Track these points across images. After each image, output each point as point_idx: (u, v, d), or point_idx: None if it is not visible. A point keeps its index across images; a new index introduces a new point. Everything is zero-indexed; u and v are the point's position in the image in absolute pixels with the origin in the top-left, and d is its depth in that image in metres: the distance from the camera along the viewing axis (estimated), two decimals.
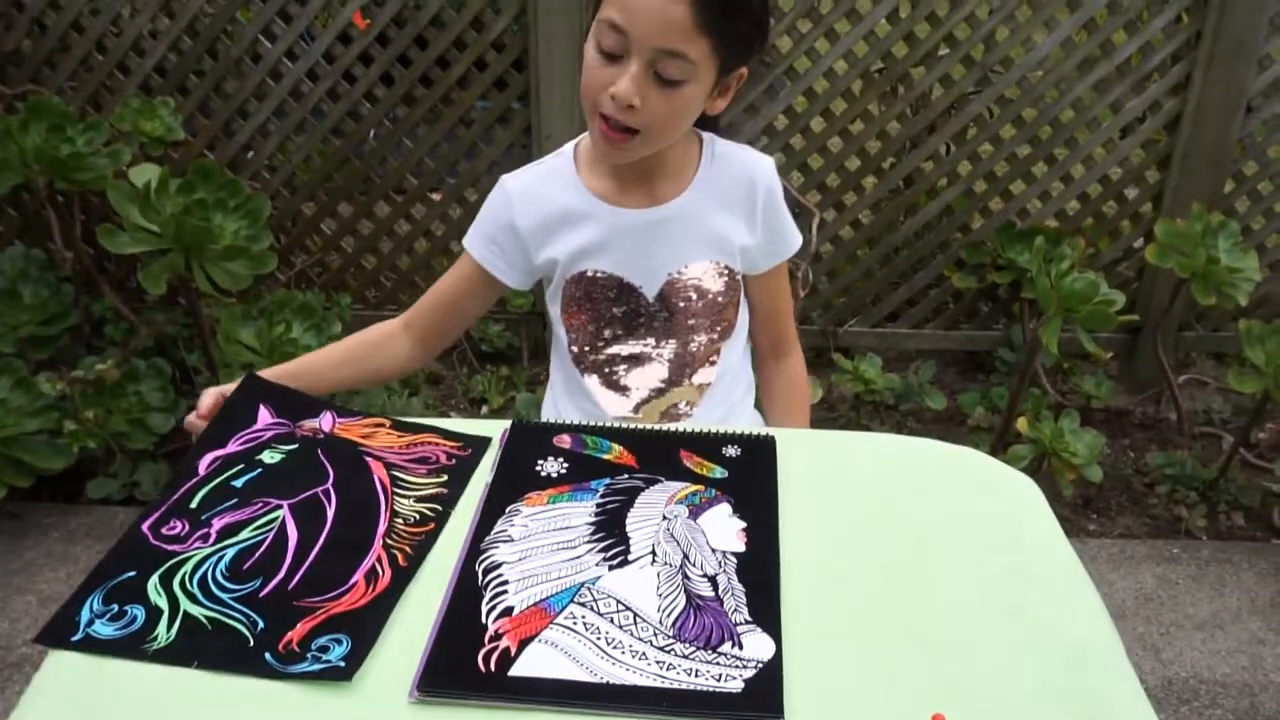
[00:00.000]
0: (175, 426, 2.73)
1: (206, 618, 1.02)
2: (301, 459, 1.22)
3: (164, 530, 1.11)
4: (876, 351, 3.17)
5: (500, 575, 1.04)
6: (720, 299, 1.46)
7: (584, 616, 0.99)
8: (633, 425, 1.33)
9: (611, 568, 1.05)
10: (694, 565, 1.06)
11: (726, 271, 1.46)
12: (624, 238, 1.42)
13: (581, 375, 1.52)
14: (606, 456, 1.24)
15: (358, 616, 1.02)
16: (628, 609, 1.00)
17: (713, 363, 1.51)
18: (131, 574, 1.05)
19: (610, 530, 1.11)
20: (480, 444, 1.27)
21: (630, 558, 1.07)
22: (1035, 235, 2.96)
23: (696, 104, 1.31)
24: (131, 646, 0.98)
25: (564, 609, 1.00)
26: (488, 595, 1.02)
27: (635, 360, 1.49)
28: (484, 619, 0.99)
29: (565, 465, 1.22)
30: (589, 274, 1.45)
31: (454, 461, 1.24)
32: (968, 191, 3.16)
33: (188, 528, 1.11)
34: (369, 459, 1.22)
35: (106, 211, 2.88)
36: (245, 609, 1.02)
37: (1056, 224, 3.17)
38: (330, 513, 1.15)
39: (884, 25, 2.98)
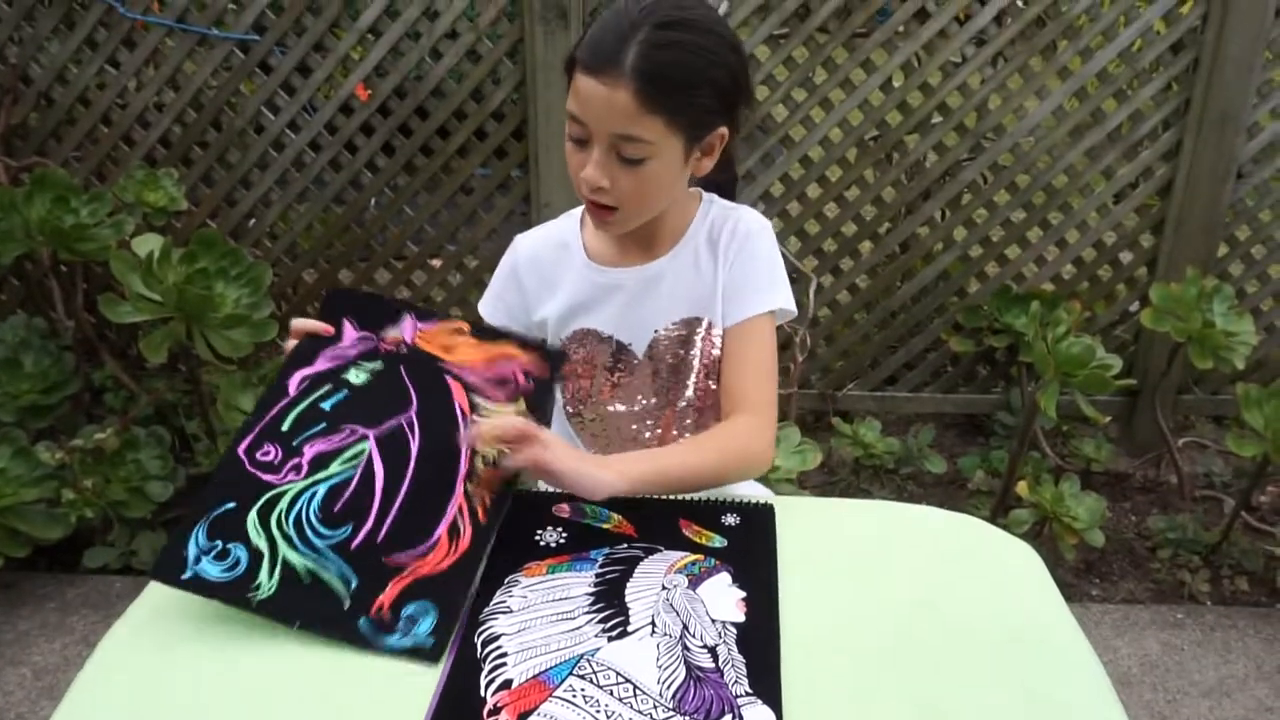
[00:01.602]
0: (174, 495, 2.73)
1: (305, 569, 1.10)
2: (386, 379, 1.24)
3: (259, 455, 1.16)
4: (875, 415, 3.17)
5: (499, 647, 1.03)
6: (708, 355, 1.47)
7: (584, 689, 0.98)
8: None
9: (611, 639, 1.05)
10: (694, 636, 1.06)
11: (709, 328, 1.47)
12: (615, 296, 1.46)
13: (578, 434, 1.54)
14: (605, 526, 1.24)
15: (442, 582, 1.10)
16: (628, 681, 1.00)
17: (702, 414, 1.52)
18: (232, 505, 1.12)
19: (609, 600, 1.10)
20: (557, 359, 1.31)
21: (630, 629, 1.06)
22: (1031, 299, 2.98)
23: (668, 175, 1.34)
24: (238, 594, 1.07)
25: (563, 681, 0.99)
26: (487, 667, 1.01)
27: (629, 418, 1.51)
28: (483, 692, 0.98)
29: (564, 535, 1.22)
30: (581, 332, 1.48)
31: (531, 385, 1.26)
32: (963, 256, 3.18)
33: (281, 455, 1.16)
34: (449, 379, 1.25)
35: (108, 280, 2.90)
36: (339, 561, 1.10)
37: (1052, 288, 3.18)
38: (414, 447, 1.20)
39: (878, 94, 3.02)
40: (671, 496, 1.31)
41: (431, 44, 2.94)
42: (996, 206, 3.12)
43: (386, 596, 1.08)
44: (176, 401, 2.96)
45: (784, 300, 1.46)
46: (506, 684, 0.99)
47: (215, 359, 2.64)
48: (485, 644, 1.04)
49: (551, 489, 1.29)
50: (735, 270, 1.44)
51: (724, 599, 1.12)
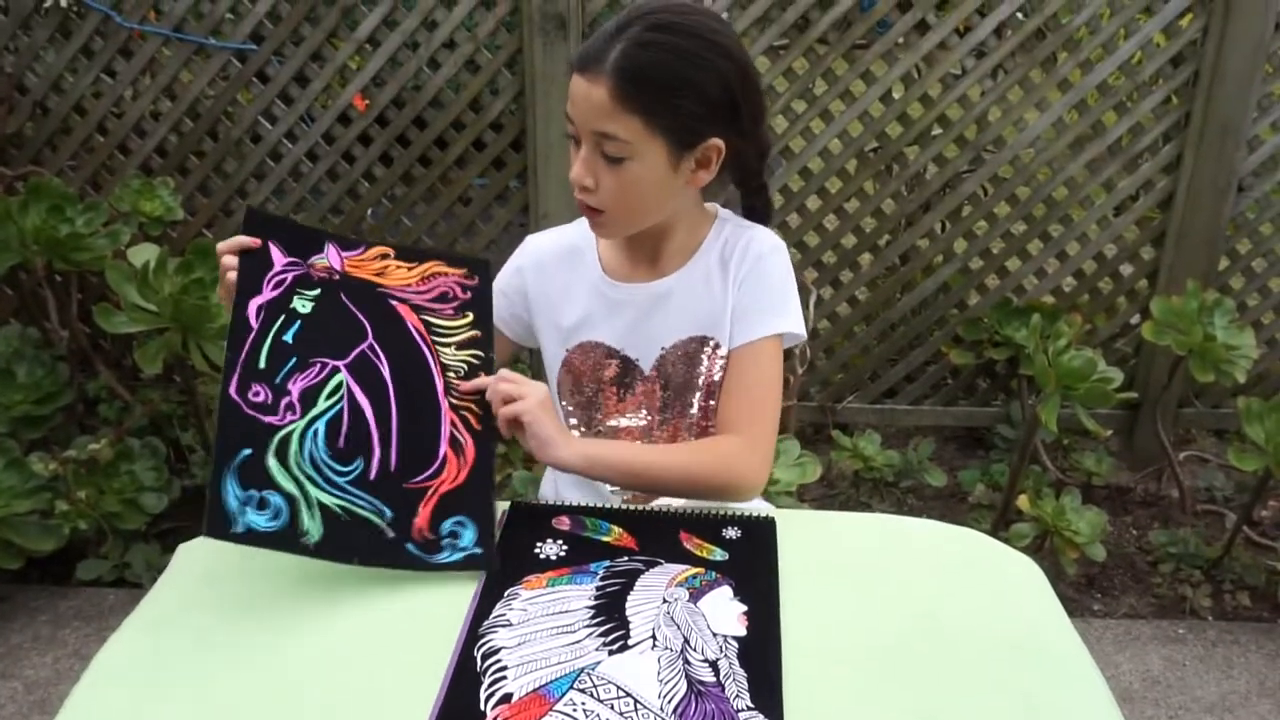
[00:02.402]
0: (168, 506, 2.71)
1: (339, 507, 1.14)
2: (330, 308, 1.25)
3: (250, 397, 1.17)
4: (875, 428, 3.15)
5: (499, 660, 1.02)
6: (713, 374, 1.46)
7: (584, 703, 0.97)
8: (631, 506, 1.32)
9: (611, 652, 1.03)
10: (695, 650, 1.04)
11: (715, 348, 1.45)
12: (623, 311, 1.45)
13: None
14: (606, 539, 1.22)
15: (466, 495, 1.18)
16: (628, 695, 0.98)
17: (706, 434, 1.49)
18: (248, 451, 1.14)
19: (610, 614, 1.09)
20: (481, 267, 1.35)
21: (630, 642, 1.05)
22: (1032, 312, 2.97)
23: (651, 179, 1.32)
24: (290, 542, 1.11)
25: (564, 695, 0.98)
26: (486, 681, 1.00)
27: (633, 434, 1.49)
28: (483, 705, 0.97)
29: (564, 548, 1.20)
30: (588, 345, 1.47)
31: (470, 295, 1.31)
32: (964, 268, 3.17)
33: (271, 396, 1.18)
34: (394, 303, 1.27)
35: (103, 290, 2.88)
36: (366, 496, 1.15)
37: (1053, 300, 3.18)
38: (386, 372, 1.23)
39: (878, 106, 3.02)
40: (672, 509, 1.30)
41: (430, 54, 2.93)
42: (997, 219, 3.12)
43: (421, 519, 1.15)
44: (171, 413, 2.94)
45: (793, 324, 1.42)
46: (506, 698, 0.97)
47: (211, 370, 2.63)
48: (485, 657, 1.03)
49: (552, 501, 1.28)
50: (745, 291, 1.41)
51: (725, 613, 1.11)
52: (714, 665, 1.03)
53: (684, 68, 1.27)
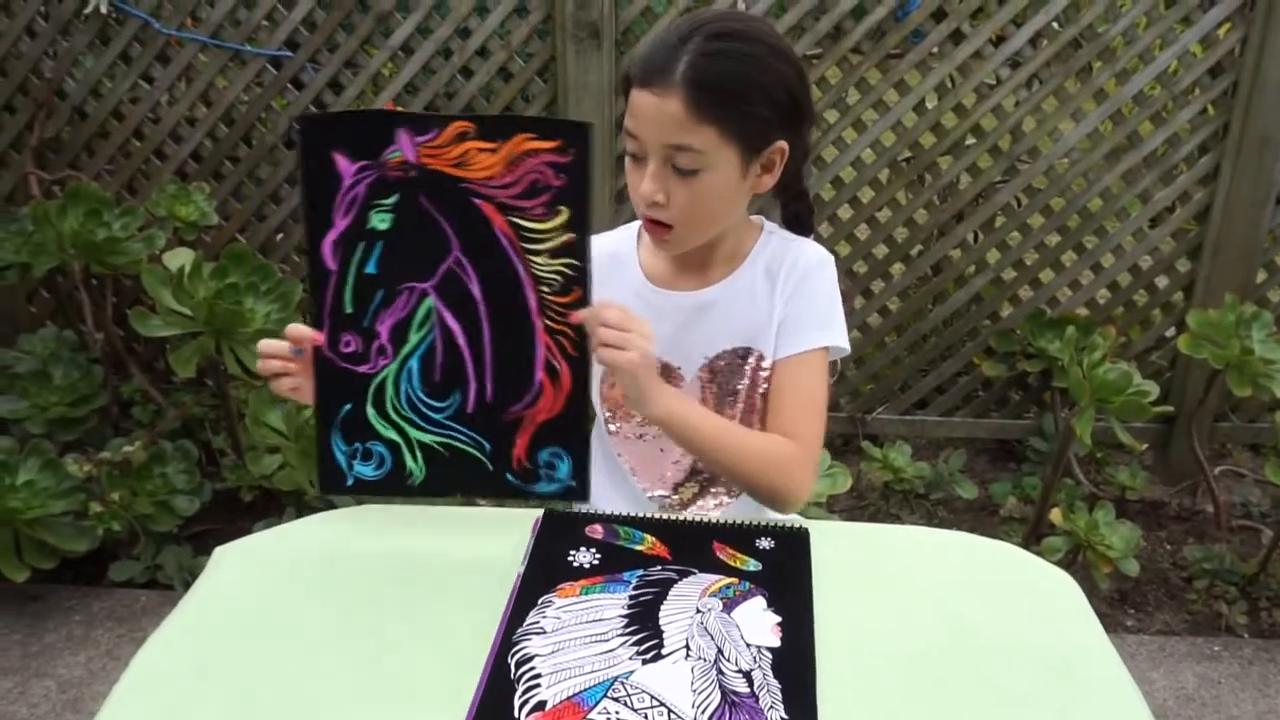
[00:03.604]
0: (200, 509, 2.72)
1: (440, 444, 1.18)
2: (411, 217, 1.16)
3: (342, 349, 1.17)
4: (905, 439, 3.14)
5: (533, 668, 1.02)
6: (754, 386, 1.45)
7: (618, 712, 0.97)
8: (666, 515, 1.32)
9: (645, 662, 1.03)
10: (728, 660, 1.04)
11: (759, 360, 1.45)
12: (666, 319, 1.42)
13: (619, 455, 1.52)
14: (639, 548, 1.22)
15: (561, 425, 1.18)
16: (662, 705, 0.98)
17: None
18: (348, 406, 1.18)
19: (644, 623, 1.08)
20: (578, 134, 1.15)
21: (664, 651, 1.05)
22: (1066, 324, 2.94)
23: (724, 188, 1.32)
24: (397, 485, 1.18)
25: (597, 704, 0.98)
26: (520, 689, 1.00)
27: (668, 440, 1.47)
28: (517, 713, 0.97)
29: (598, 556, 1.20)
30: None
31: (564, 181, 1.14)
32: (996, 279, 3.15)
33: (361, 342, 1.17)
34: (479, 201, 1.15)
35: (137, 294, 2.91)
36: (465, 429, 1.18)
37: (1087, 313, 3.15)
38: (476, 290, 1.17)
39: (911, 115, 3.00)
40: (705, 517, 1.29)
41: (463, 62, 2.94)
42: (1030, 230, 3.10)
43: (519, 450, 1.18)
44: (203, 416, 2.96)
45: (838, 338, 1.42)
46: (540, 705, 0.97)
47: (244, 374, 2.64)
48: (519, 665, 1.03)
49: (583, 509, 1.28)
50: (793, 304, 1.41)
51: (759, 623, 1.10)
52: (748, 676, 1.02)
53: (752, 73, 1.28)
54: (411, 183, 1.15)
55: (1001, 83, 2.95)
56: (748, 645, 1.06)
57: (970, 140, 3.03)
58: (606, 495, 1.53)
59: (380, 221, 1.16)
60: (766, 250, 1.45)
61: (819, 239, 3.01)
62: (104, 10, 2.89)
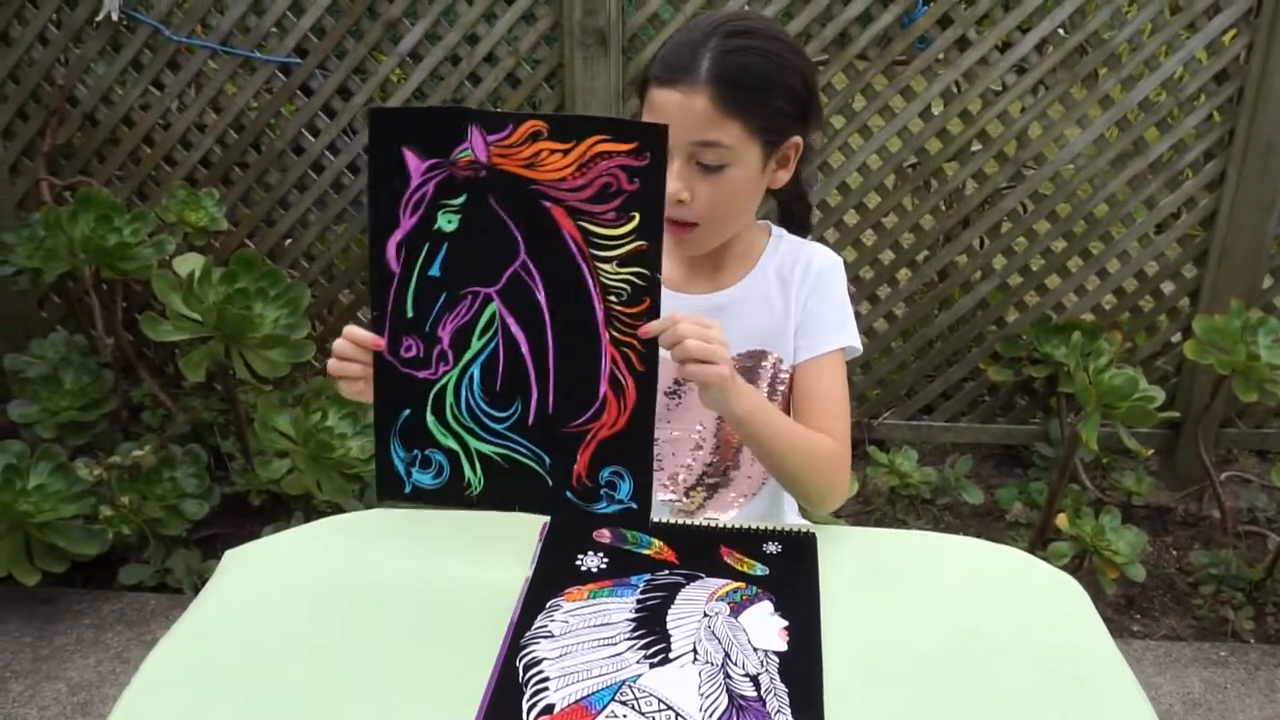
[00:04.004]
0: (209, 513, 2.73)
1: (499, 455, 1.16)
2: (479, 218, 1.12)
3: (403, 353, 1.15)
4: (912, 445, 3.14)
5: (541, 672, 1.03)
6: (774, 390, 1.46)
7: (625, 715, 0.97)
8: (674, 519, 1.33)
9: (653, 665, 1.04)
10: (736, 664, 1.05)
11: (777, 363, 1.45)
12: None
13: None
14: (646, 552, 1.23)
15: (624, 443, 1.14)
16: (669, 708, 0.99)
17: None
18: (407, 412, 1.16)
19: (651, 627, 1.09)
20: (655, 138, 1.10)
21: (671, 655, 1.05)
22: (1072, 329, 2.95)
23: (747, 184, 1.34)
24: (455, 495, 1.17)
25: (605, 707, 0.98)
26: (528, 692, 1.00)
27: (683, 444, 1.49)
28: (524, 716, 0.97)
29: (605, 560, 1.21)
30: None
31: (637, 185, 1.10)
32: (1002, 285, 3.15)
33: (423, 347, 1.15)
34: (548, 204, 1.11)
35: (147, 298, 2.93)
36: (525, 441, 1.15)
37: (1092, 318, 3.15)
38: (541, 298, 1.13)
39: (917, 122, 3.01)
40: (712, 522, 1.29)
41: (471, 68, 2.96)
42: (1036, 235, 3.10)
43: (580, 465, 1.14)
44: (213, 420, 2.97)
45: (853, 338, 1.44)
46: (548, 709, 0.98)
47: (253, 378, 2.65)
48: (527, 668, 1.03)
49: None
50: (810, 307, 1.43)
51: (766, 627, 1.11)
52: (755, 680, 1.03)
53: (773, 69, 1.30)
54: (481, 183, 1.12)
55: (1007, 89, 2.96)
56: (755, 649, 1.07)
57: (976, 146, 3.04)
58: None
59: (447, 223, 1.13)
60: (777, 254, 1.46)
61: (824, 243, 3.02)
62: (115, 18, 2.91)
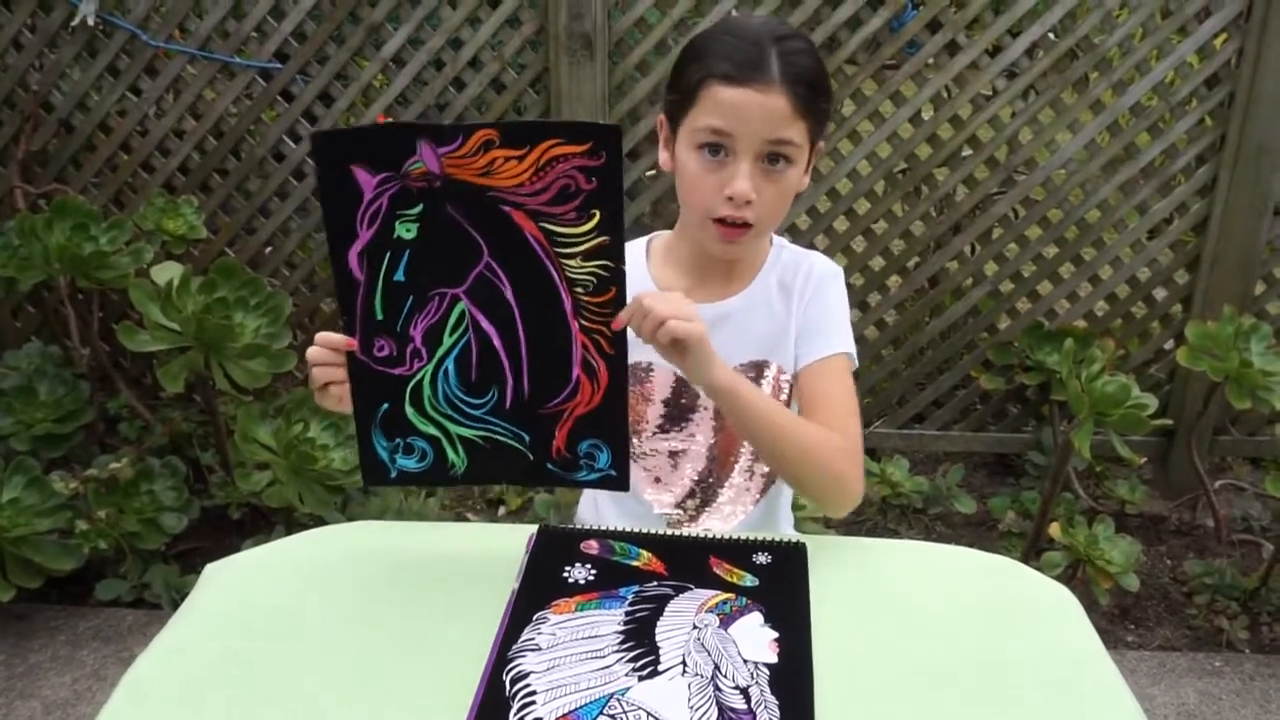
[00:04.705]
0: (187, 527, 2.69)
1: (480, 437, 1.19)
2: (438, 226, 1.12)
3: (375, 353, 1.16)
4: (903, 453, 3.11)
5: (528, 685, 1.00)
6: (775, 399, 1.44)
7: None
8: (663, 530, 1.30)
9: (641, 678, 1.01)
10: (725, 676, 1.03)
11: (778, 372, 1.44)
12: None
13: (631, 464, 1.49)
14: (635, 563, 1.20)
15: (600, 418, 1.18)
16: None
17: (761, 461, 1.48)
18: (386, 405, 1.18)
19: (640, 639, 1.07)
20: (607, 138, 1.10)
21: (660, 668, 1.03)
22: (1064, 336, 2.93)
23: (798, 185, 1.36)
24: (440, 476, 1.21)
25: None
26: (515, 706, 0.98)
27: (682, 454, 1.48)
28: None
29: (593, 572, 1.18)
30: (645, 365, 1.44)
31: (595, 184, 1.10)
32: (994, 292, 3.13)
33: (395, 347, 1.16)
34: (508, 209, 1.11)
35: (124, 308, 2.89)
36: (503, 423, 1.18)
37: (1085, 325, 3.13)
38: (509, 293, 1.15)
39: (907, 127, 2.99)
40: (702, 533, 1.27)
41: (455, 73, 2.92)
42: (1028, 241, 3.08)
43: (559, 441, 1.18)
44: (191, 432, 2.93)
45: (851, 347, 1.44)
46: None
47: (232, 389, 2.61)
48: (514, 682, 1.01)
49: (591, 524, 1.25)
50: (811, 311, 1.43)
51: (756, 639, 1.09)
52: (745, 692, 1.01)
53: (824, 72, 1.34)
54: (436, 193, 1.12)
55: (998, 94, 2.94)
56: (745, 661, 1.05)
57: (967, 151, 3.02)
58: (610, 512, 1.51)
59: (406, 231, 1.13)
60: (779, 263, 1.46)
61: (814, 250, 2.99)
62: (91, 22, 2.87)
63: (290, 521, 2.67)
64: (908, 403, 3.23)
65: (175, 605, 1.21)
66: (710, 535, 1.28)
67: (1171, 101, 2.89)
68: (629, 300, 1.16)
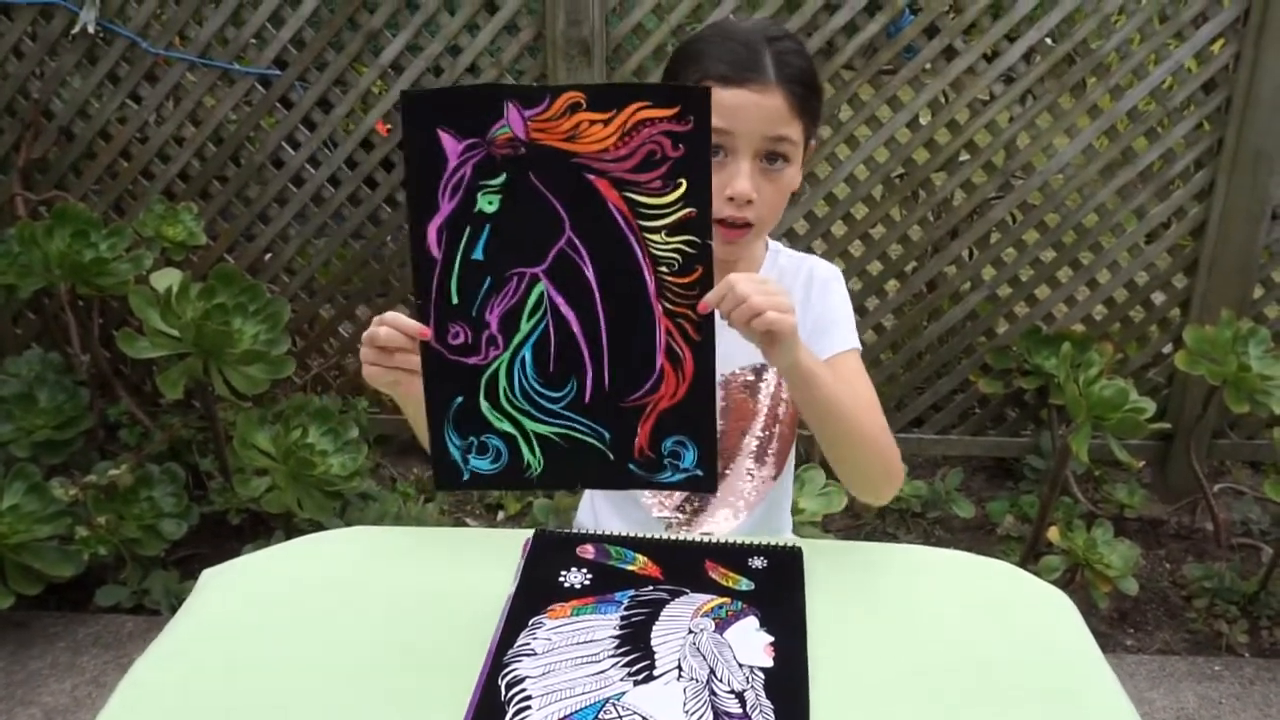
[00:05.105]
0: (187, 533, 2.69)
1: (558, 435, 1.13)
2: (520, 197, 1.08)
3: (450, 340, 1.11)
4: (902, 458, 3.10)
5: (523, 690, 1.00)
6: (776, 402, 1.45)
7: None
8: (662, 534, 1.30)
9: (637, 683, 1.01)
10: (721, 681, 1.02)
11: (778, 382, 1.44)
12: None
13: None
14: (631, 567, 1.20)
15: (685, 412, 1.12)
16: None
17: (762, 465, 1.49)
18: (460, 399, 1.13)
19: (635, 644, 1.06)
20: (696, 101, 1.05)
21: (656, 672, 1.02)
22: (1062, 340, 2.93)
23: (794, 184, 1.36)
24: (515, 479, 1.14)
25: None
26: (510, 711, 0.98)
27: None
28: None
29: (589, 576, 1.18)
30: None
31: (682, 151, 1.06)
32: (992, 296, 3.13)
33: (470, 333, 1.11)
34: (591, 177, 1.07)
35: (124, 315, 2.89)
36: (583, 420, 1.13)
37: (1083, 329, 3.13)
38: (590, 274, 1.09)
39: (904, 132, 2.99)
40: (699, 539, 1.27)
41: (454, 79, 2.93)
42: (1026, 246, 3.08)
43: (641, 439, 1.12)
44: (191, 438, 2.93)
45: (859, 344, 1.45)
46: None
47: (232, 395, 2.61)
48: (509, 687, 1.00)
49: (590, 529, 1.25)
50: (818, 311, 1.43)
51: (751, 643, 1.08)
52: (740, 696, 1.00)
53: (815, 71, 1.35)
54: (520, 160, 1.08)
55: (995, 98, 2.94)
56: (740, 665, 1.04)
57: (964, 156, 3.02)
58: (609, 516, 1.51)
59: (488, 204, 1.09)
60: (776, 267, 1.47)
61: (812, 254, 2.99)
62: (91, 30, 2.88)
63: (290, 527, 2.67)
64: (906, 407, 3.23)
65: (175, 611, 1.21)
66: (706, 540, 1.27)
67: (1169, 106, 2.90)
68: (716, 281, 1.11)
